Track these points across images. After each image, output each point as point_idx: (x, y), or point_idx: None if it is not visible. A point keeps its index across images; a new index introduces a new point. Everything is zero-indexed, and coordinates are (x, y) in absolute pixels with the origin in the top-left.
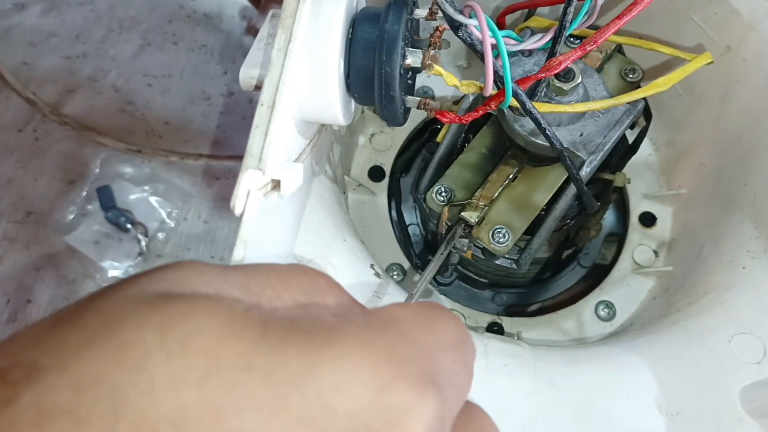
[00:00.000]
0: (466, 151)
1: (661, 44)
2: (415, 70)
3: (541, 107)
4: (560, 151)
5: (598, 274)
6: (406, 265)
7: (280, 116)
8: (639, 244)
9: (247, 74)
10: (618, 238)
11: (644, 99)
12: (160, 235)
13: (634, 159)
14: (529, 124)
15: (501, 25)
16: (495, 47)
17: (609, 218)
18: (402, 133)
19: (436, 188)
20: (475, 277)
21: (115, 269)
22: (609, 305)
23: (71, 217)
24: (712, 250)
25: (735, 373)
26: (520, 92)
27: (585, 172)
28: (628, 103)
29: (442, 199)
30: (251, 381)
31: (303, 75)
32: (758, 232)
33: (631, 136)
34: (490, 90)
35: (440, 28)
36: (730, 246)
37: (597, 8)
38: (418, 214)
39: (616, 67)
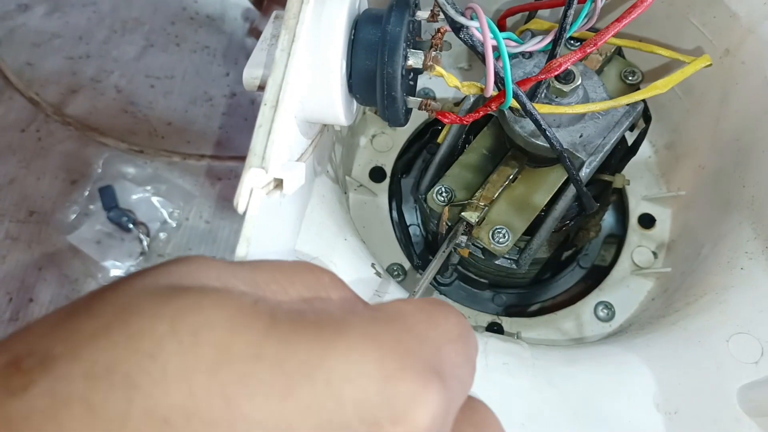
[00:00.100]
0: (466, 151)
1: (661, 47)
2: (417, 71)
3: (541, 108)
4: (560, 152)
5: (597, 275)
6: (407, 265)
7: (283, 116)
8: (638, 246)
9: (251, 74)
10: (617, 239)
11: (643, 101)
12: (162, 235)
13: (634, 161)
14: (530, 125)
15: (502, 28)
16: (496, 49)
17: (608, 220)
18: (403, 134)
19: (436, 188)
20: (475, 277)
21: (116, 269)
22: (608, 306)
23: (73, 216)
24: (710, 251)
25: (733, 373)
26: (521, 93)
27: (584, 172)
28: (627, 104)
29: (442, 199)
30: (261, 370)
31: (306, 75)
32: (756, 234)
33: (630, 138)
34: (491, 91)
35: (442, 30)
36: (728, 247)
37: (597, 11)
38: (419, 215)
39: (615, 70)
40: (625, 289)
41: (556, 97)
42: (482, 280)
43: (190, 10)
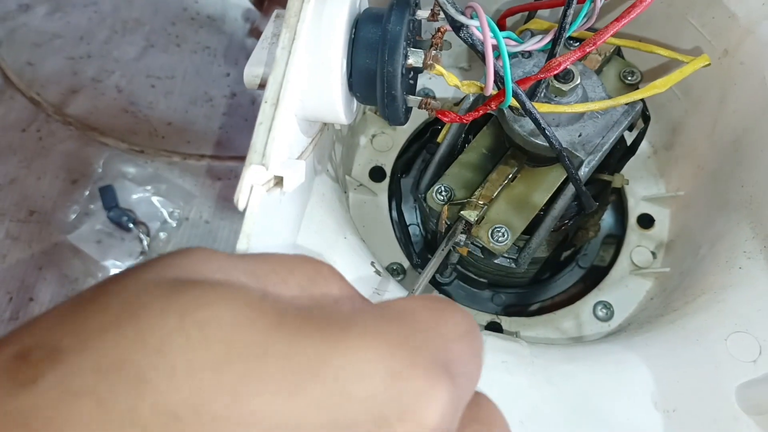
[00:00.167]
0: (466, 151)
1: (660, 47)
2: (417, 70)
3: (540, 108)
4: (559, 151)
5: (596, 275)
6: (406, 264)
7: (283, 113)
8: (637, 246)
9: (252, 72)
10: (616, 239)
11: (642, 101)
12: (162, 235)
13: (633, 162)
14: (529, 124)
15: (501, 27)
16: (496, 48)
17: (607, 220)
18: (403, 134)
19: (436, 187)
20: (474, 277)
21: (116, 268)
22: (607, 306)
23: (74, 216)
24: (709, 250)
25: (731, 371)
26: (520, 92)
27: (583, 172)
28: (626, 104)
29: (442, 198)
30: (269, 367)
31: (306, 74)
32: (755, 233)
33: (629, 138)
34: (491, 90)
35: (442, 29)
36: (726, 247)
37: (596, 11)
38: (418, 214)
39: (614, 70)
40: (623, 289)
41: (556, 97)
42: (481, 279)
43: (191, 10)
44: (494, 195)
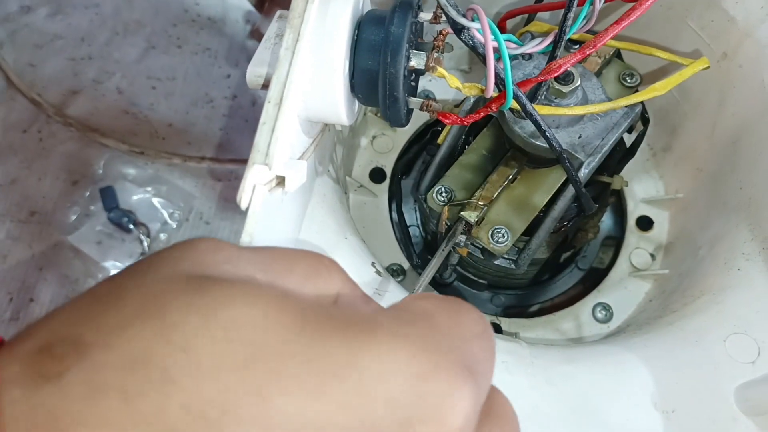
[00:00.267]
0: (466, 152)
1: (659, 50)
2: (419, 72)
3: (540, 109)
4: (559, 153)
5: (595, 277)
6: (406, 265)
7: (286, 113)
8: (636, 248)
9: (255, 72)
10: (615, 241)
11: (642, 103)
12: (162, 236)
13: (632, 164)
14: (529, 125)
15: (502, 30)
16: (496, 50)
17: (607, 222)
18: (403, 135)
19: (436, 188)
20: (474, 278)
21: (117, 269)
22: (606, 307)
23: (74, 217)
24: (707, 252)
25: (730, 372)
26: (521, 94)
27: (583, 173)
28: (626, 106)
29: (442, 199)
30: (293, 367)
31: (309, 74)
32: (753, 235)
33: (629, 141)
34: (492, 92)
35: (443, 32)
36: (725, 248)
37: (595, 13)
38: (419, 216)
39: (614, 72)
40: (623, 291)
41: (556, 99)
42: (481, 281)
43: (192, 12)
44: (494, 196)
